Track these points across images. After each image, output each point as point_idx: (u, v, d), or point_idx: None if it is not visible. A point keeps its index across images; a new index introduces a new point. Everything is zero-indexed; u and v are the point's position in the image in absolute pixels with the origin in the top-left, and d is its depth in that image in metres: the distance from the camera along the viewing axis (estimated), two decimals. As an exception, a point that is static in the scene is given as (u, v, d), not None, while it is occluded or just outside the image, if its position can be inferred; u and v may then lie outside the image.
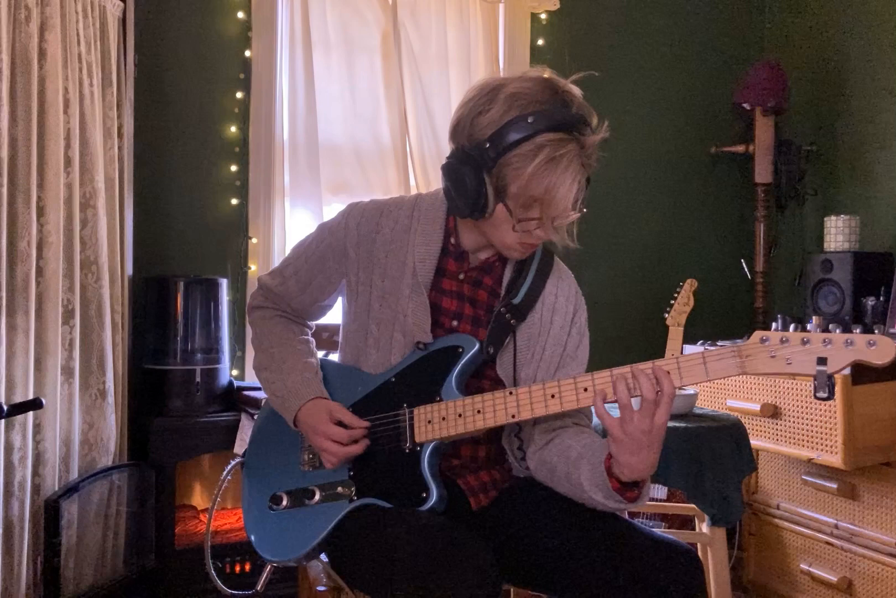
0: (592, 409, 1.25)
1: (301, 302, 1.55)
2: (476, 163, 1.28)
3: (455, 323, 1.43)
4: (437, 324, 1.42)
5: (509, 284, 1.44)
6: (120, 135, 2.43)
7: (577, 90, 1.30)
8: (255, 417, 1.62)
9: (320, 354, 1.60)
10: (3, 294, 2.02)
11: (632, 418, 1.19)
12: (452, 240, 1.43)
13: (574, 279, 1.52)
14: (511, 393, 1.30)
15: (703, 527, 2.16)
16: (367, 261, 1.44)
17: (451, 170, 1.32)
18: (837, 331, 1.12)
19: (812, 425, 2.32)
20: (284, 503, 1.44)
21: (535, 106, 1.26)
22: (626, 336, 3.12)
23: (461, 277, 1.44)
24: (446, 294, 1.44)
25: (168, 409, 2.47)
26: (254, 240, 2.83)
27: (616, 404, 1.22)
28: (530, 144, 1.25)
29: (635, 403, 1.20)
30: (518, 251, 1.38)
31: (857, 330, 1.15)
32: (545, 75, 1.31)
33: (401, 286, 1.41)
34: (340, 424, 1.38)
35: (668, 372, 1.20)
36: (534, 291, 1.43)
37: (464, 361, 1.36)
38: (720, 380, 2.58)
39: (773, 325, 2.45)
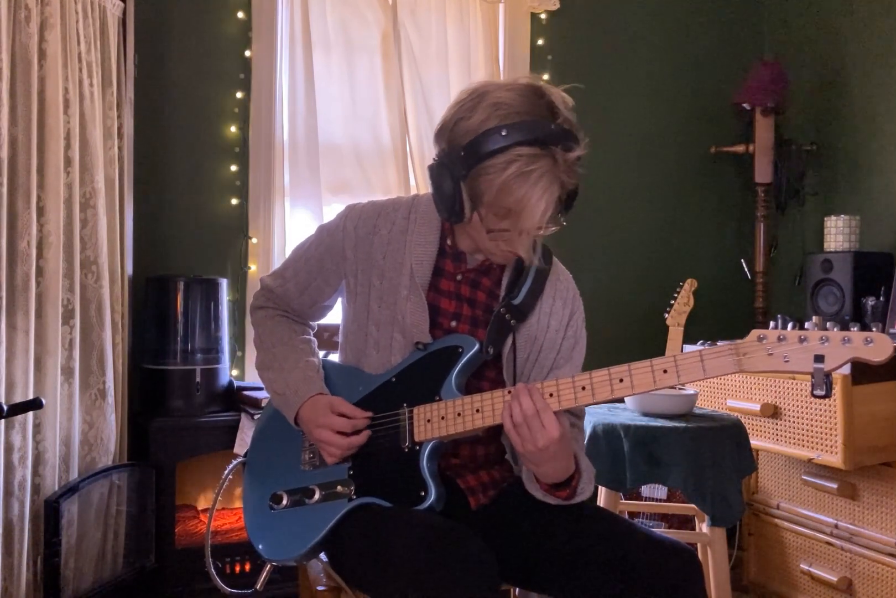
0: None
1: (301, 303, 1.56)
2: (453, 168, 1.28)
3: (454, 323, 1.44)
4: (436, 325, 1.42)
5: (509, 284, 1.44)
6: (120, 135, 2.43)
7: (566, 102, 1.27)
8: (258, 417, 1.62)
9: (321, 354, 1.60)
10: (3, 294, 2.02)
11: (523, 436, 1.23)
12: (449, 241, 1.44)
13: (572, 280, 1.52)
14: (510, 392, 1.30)
15: (703, 527, 2.16)
16: (365, 262, 1.44)
17: (433, 172, 1.33)
18: (835, 329, 1.12)
19: (812, 425, 2.32)
20: (284, 502, 1.44)
21: (514, 117, 1.24)
22: (625, 336, 3.12)
23: (459, 277, 1.44)
24: (444, 295, 1.44)
25: (168, 409, 2.47)
26: (254, 240, 2.83)
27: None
28: (503, 157, 1.23)
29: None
30: (499, 256, 1.38)
31: (856, 328, 1.15)
32: (536, 84, 1.28)
33: (398, 287, 1.42)
34: (342, 416, 1.38)
35: (526, 390, 1.24)
36: (533, 293, 1.44)
37: (463, 361, 1.36)
38: (720, 380, 2.59)
39: (772, 324, 2.45)
